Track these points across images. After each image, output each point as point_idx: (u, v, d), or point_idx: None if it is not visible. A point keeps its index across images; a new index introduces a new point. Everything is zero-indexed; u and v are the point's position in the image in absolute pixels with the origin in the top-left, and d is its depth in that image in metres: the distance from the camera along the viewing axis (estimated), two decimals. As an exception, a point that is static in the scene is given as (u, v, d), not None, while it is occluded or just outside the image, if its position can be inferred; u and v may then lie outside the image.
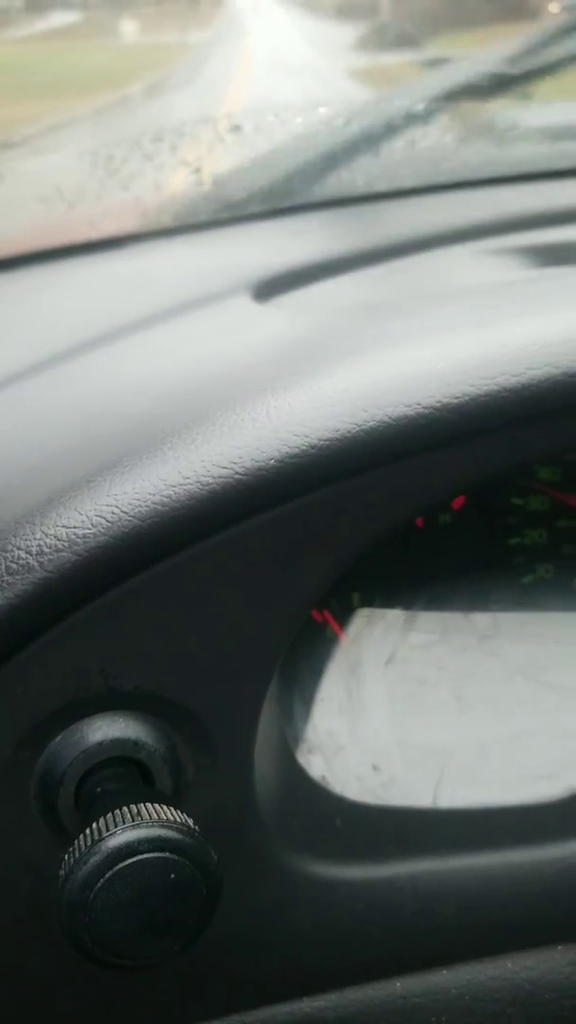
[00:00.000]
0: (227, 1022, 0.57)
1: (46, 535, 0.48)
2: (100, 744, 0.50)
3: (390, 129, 0.96)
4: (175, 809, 0.46)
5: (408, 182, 0.97)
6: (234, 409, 0.52)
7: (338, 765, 0.63)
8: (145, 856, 0.43)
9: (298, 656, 0.65)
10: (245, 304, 0.72)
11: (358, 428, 0.49)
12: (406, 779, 0.63)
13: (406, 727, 0.65)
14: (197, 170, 0.95)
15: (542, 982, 0.59)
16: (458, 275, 0.78)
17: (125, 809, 0.45)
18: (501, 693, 0.67)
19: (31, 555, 0.47)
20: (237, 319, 0.70)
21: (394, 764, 0.64)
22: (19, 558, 0.47)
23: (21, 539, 0.48)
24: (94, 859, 0.43)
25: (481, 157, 1.08)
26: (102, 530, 0.47)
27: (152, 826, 0.44)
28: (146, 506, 0.48)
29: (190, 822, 0.45)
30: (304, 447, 0.48)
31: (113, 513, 0.47)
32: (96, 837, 0.44)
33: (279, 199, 0.93)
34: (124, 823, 0.44)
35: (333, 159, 0.94)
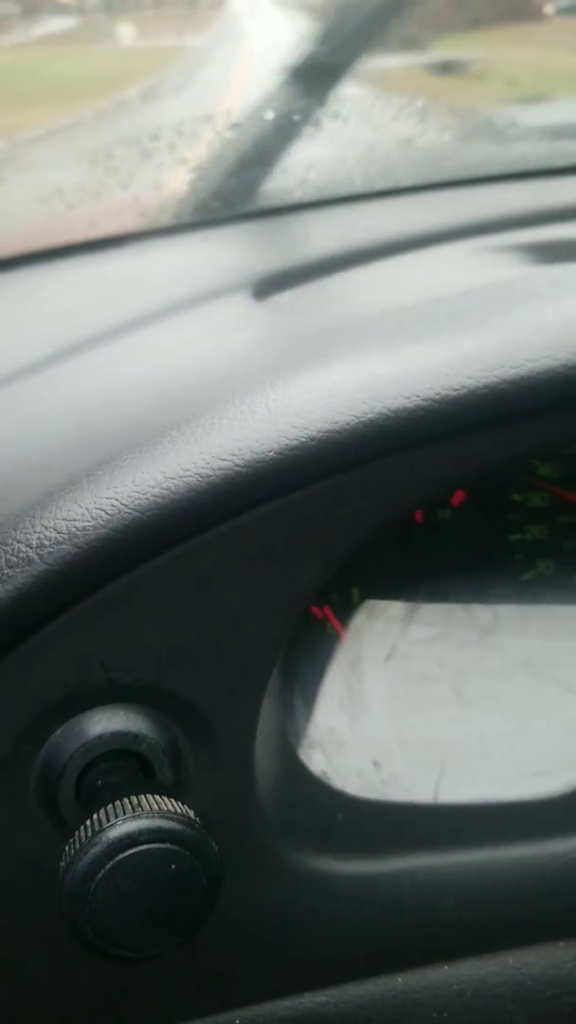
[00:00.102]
0: (227, 1018, 0.57)
1: (46, 528, 0.48)
2: (101, 737, 0.50)
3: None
4: (176, 800, 0.46)
5: (407, 180, 0.97)
6: (233, 402, 0.52)
7: (339, 761, 0.63)
8: (146, 847, 0.43)
9: (299, 653, 0.65)
10: (244, 302, 0.72)
11: (357, 420, 0.49)
12: (407, 775, 0.63)
13: (407, 723, 0.65)
14: (196, 168, 0.95)
15: (543, 978, 0.59)
16: (457, 272, 0.79)
17: (126, 800, 0.45)
18: (502, 689, 0.67)
19: (31, 548, 0.47)
20: (236, 317, 0.70)
21: (395, 760, 0.63)
22: (19, 551, 0.47)
23: (21, 532, 0.48)
24: (95, 850, 0.43)
25: (480, 155, 1.08)
26: (102, 523, 0.47)
27: (153, 817, 0.44)
28: (146, 499, 0.48)
29: (191, 813, 0.45)
30: (303, 439, 0.48)
31: (113, 506, 0.47)
32: (97, 828, 0.44)
33: (278, 198, 0.93)
34: (125, 814, 0.44)
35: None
